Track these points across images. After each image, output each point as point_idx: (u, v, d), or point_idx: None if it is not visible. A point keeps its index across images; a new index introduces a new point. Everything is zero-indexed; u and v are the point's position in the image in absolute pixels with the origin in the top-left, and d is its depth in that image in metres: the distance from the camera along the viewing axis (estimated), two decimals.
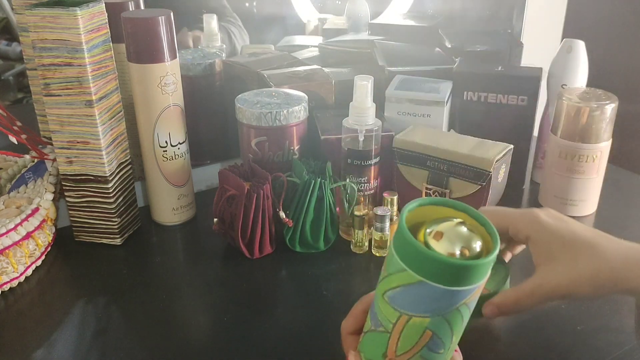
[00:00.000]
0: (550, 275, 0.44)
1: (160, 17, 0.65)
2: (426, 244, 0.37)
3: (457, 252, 0.36)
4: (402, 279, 0.37)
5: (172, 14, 0.67)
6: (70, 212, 0.70)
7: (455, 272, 0.35)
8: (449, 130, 0.82)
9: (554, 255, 0.44)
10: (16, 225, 0.62)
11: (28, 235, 0.64)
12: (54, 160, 0.70)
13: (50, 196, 0.68)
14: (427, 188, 0.71)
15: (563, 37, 0.98)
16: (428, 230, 0.37)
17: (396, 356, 0.40)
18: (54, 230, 0.70)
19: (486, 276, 0.37)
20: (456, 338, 0.40)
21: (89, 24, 0.61)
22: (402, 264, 0.36)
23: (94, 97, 0.63)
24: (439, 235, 0.37)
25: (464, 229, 0.37)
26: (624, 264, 0.43)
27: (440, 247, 0.36)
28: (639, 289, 0.42)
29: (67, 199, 0.69)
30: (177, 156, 0.72)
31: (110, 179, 0.68)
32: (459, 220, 0.38)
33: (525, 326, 0.57)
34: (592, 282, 0.43)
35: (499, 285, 0.50)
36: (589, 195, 0.76)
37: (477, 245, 0.37)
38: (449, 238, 0.37)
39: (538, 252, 0.46)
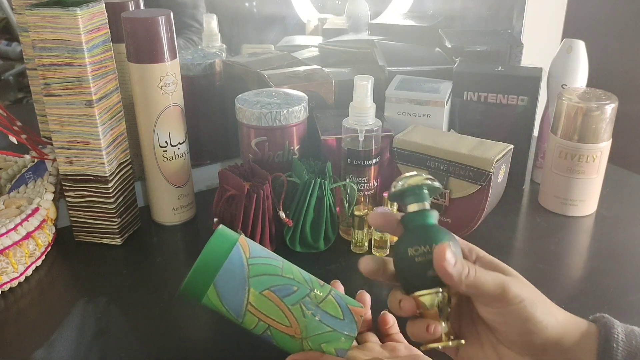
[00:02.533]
0: (518, 282, 0.42)
1: (160, 17, 0.65)
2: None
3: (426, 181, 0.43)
4: (216, 300, 0.44)
5: (172, 14, 0.67)
6: (70, 212, 0.70)
7: (207, 259, 0.46)
8: (449, 130, 0.82)
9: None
10: (16, 225, 0.62)
11: (28, 235, 0.64)
12: (54, 160, 0.70)
13: (50, 196, 0.68)
14: None
15: (563, 37, 0.98)
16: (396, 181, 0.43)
17: (292, 328, 0.45)
18: (54, 230, 0.70)
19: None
20: (284, 270, 0.46)
21: (89, 24, 0.61)
22: (202, 301, 0.45)
23: (94, 97, 0.63)
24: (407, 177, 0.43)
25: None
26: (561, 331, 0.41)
27: (413, 179, 0.43)
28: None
29: (67, 199, 0.69)
30: (177, 156, 0.72)
31: (110, 179, 0.68)
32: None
33: None
34: (545, 311, 0.41)
35: None
36: (589, 195, 0.76)
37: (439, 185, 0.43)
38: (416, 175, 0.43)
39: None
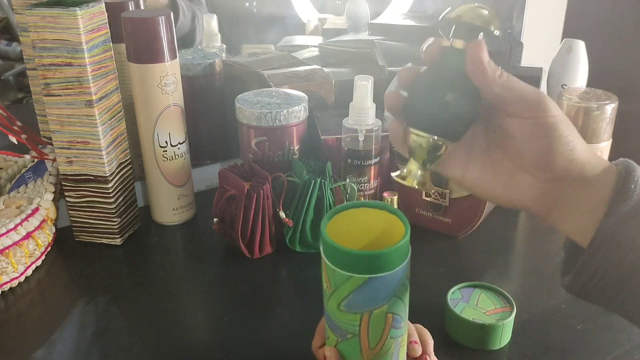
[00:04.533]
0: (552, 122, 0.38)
1: (160, 17, 0.65)
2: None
3: (479, 22, 0.37)
4: (351, 285, 0.39)
5: (172, 14, 0.67)
6: (70, 212, 0.70)
7: (393, 257, 0.39)
8: None
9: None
10: (16, 225, 0.62)
11: (28, 235, 0.64)
12: (54, 160, 0.70)
13: (50, 196, 0.68)
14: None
15: (563, 37, 0.98)
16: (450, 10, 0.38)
17: (371, 350, 0.42)
18: (54, 230, 0.70)
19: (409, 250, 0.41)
20: (407, 307, 0.42)
21: (89, 24, 0.61)
22: (345, 274, 0.39)
23: (94, 97, 0.63)
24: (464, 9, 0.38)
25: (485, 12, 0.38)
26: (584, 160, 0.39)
27: (468, 14, 0.37)
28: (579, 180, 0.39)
29: (67, 199, 0.69)
30: (177, 156, 0.72)
31: (110, 179, 0.68)
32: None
33: (525, 325, 0.57)
34: (572, 137, 0.39)
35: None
36: None
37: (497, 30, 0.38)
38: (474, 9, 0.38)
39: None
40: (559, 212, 0.40)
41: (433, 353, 0.48)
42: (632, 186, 0.37)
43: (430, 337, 0.49)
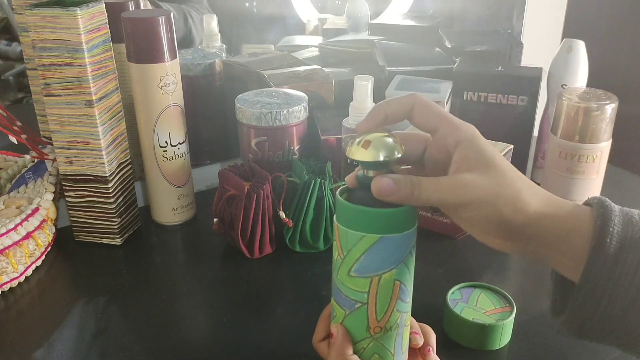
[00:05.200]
0: (471, 176, 0.38)
1: (160, 17, 0.65)
2: (354, 155, 0.39)
3: (381, 158, 0.39)
4: (363, 246, 0.40)
5: (172, 14, 0.67)
6: (70, 212, 0.70)
7: (404, 217, 0.40)
8: None
9: (483, 166, 0.39)
10: (16, 225, 0.62)
11: (28, 235, 0.64)
12: (54, 160, 0.70)
13: (50, 196, 0.68)
14: None
15: (563, 37, 0.98)
16: (357, 140, 0.39)
17: (378, 322, 0.42)
18: (54, 230, 0.70)
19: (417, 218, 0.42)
20: (412, 282, 0.43)
21: (89, 24, 0.61)
22: (358, 233, 0.40)
23: (94, 97, 0.63)
24: (367, 144, 0.39)
25: (389, 139, 0.39)
26: (541, 215, 0.38)
27: (367, 155, 0.39)
28: (552, 232, 0.38)
29: (67, 199, 0.69)
30: (177, 156, 0.72)
31: (110, 179, 0.68)
32: (386, 133, 0.40)
33: (524, 326, 0.57)
34: (513, 205, 0.37)
35: None
36: (589, 195, 0.76)
37: (400, 153, 0.39)
38: (376, 146, 0.39)
39: (464, 159, 0.39)
40: (543, 259, 0.39)
41: (435, 345, 0.48)
42: (608, 240, 0.36)
43: (433, 332, 0.48)
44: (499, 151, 0.68)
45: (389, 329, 0.43)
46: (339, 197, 0.41)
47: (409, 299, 0.43)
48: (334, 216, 0.42)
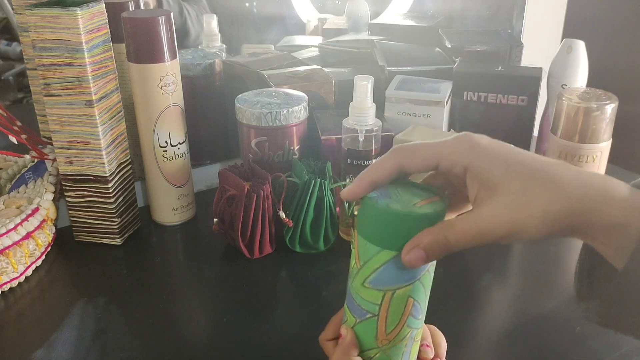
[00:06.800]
0: (490, 211, 0.35)
1: (160, 17, 0.65)
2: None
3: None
4: (381, 260, 0.40)
5: (172, 14, 0.67)
6: (70, 212, 0.70)
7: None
8: (449, 130, 0.82)
9: (496, 185, 0.35)
10: (16, 225, 0.62)
11: (28, 235, 0.64)
12: (54, 160, 0.70)
13: (50, 196, 0.68)
14: None
15: (563, 37, 0.98)
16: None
17: (386, 335, 0.42)
18: (54, 230, 0.70)
19: None
20: (426, 302, 0.43)
21: (89, 24, 0.61)
22: (376, 247, 0.40)
23: (94, 97, 0.63)
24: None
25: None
26: (583, 194, 0.34)
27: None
28: (596, 226, 0.34)
29: (67, 199, 0.69)
30: (177, 156, 0.72)
31: (110, 179, 0.68)
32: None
33: (523, 328, 0.57)
34: (542, 218, 0.34)
35: None
36: None
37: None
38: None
39: (478, 183, 0.36)
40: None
41: (444, 356, 0.47)
42: None
43: (444, 340, 0.48)
44: None
45: (398, 343, 0.43)
46: (367, 199, 0.40)
47: (421, 316, 0.43)
48: (355, 222, 0.42)
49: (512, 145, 0.38)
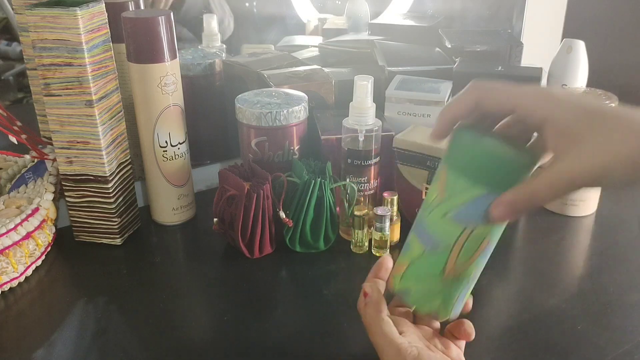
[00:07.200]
0: (575, 160, 0.36)
1: (160, 17, 0.65)
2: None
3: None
4: (468, 196, 0.40)
5: (172, 14, 0.67)
6: (70, 212, 0.70)
7: (520, 180, 0.39)
8: None
9: (580, 134, 0.36)
10: (16, 225, 0.62)
11: (28, 235, 0.64)
12: (54, 160, 0.70)
13: (50, 196, 0.68)
14: (427, 188, 0.71)
15: (563, 37, 0.98)
16: None
17: (454, 269, 0.43)
18: (54, 230, 0.70)
19: None
20: (496, 242, 0.44)
21: (89, 24, 0.61)
22: (468, 182, 0.40)
23: (94, 97, 0.63)
24: None
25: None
26: None
27: None
28: None
29: (67, 199, 0.69)
30: (177, 156, 0.72)
31: (110, 179, 0.68)
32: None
33: (525, 326, 0.57)
34: (627, 163, 0.35)
35: None
36: (589, 195, 0.76)
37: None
38: None
39: (558, 135, 0.37)
40: None
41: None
42: None
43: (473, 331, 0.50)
44: None
45: (461, 279, 0.44)
46: (465, 137, 0.40)
47: (488, 256, 0.44)
48: (443, 158, 0.42)
49: (588, 95, 0.38)
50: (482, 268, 0.45)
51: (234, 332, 0.57)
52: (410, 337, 0.45)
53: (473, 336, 0.49)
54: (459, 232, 0.41)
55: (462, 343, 0.50)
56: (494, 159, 0.39)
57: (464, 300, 0.46)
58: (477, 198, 0.40)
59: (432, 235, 0.43)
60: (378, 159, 0.69)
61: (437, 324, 0.51)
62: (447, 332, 0.51)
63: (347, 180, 0.69)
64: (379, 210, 0.66)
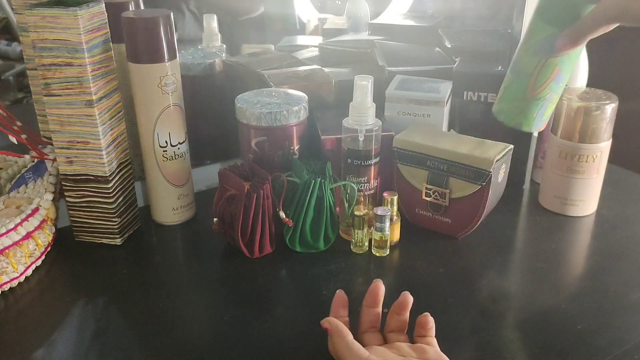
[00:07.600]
0: (607, 1, 0.50)
1: (160, 17, 0.65)
2: None
3: None
4: (543, 33, 0.57)
5: (171, 14, 0.67)
6: (70, 212, 0.71)
7: (579, 17, 0.54)
8: (449, 130, 0.82)
9: None
10: (16, 225, 0.62)
11: (28, 235, 0.64)
12: (54, 160, 0.70)
13: (50, 196, 0.68)
14: (427, 188, 0.71)
15: None
16: None
17: (534, 91, 0.59)
18: (54, 230, 0.70)
19: None
20: (570, 73, 0.60)
21: (89, 24, 0.61)
22: (543, 24, 0.57)
23: (94, 97, 0.63)
24: None
25: None
26: None
27: None
28: None
29: (67, 199, 0.69)
30: (177, 156, 0.72)
31: (110, 179, 0.68)
32: None
33: (525, 325, 0.57)
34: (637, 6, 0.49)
35: None
36: (589, 195, 0.76)
37: None
38: None
39: None
40: None
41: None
42: None
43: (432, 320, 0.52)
44: (499, 151, 0.68)
45: (539, 99, 0.60)
46: None
47: (562, 83, 0.59)
48: (534, 9, 0.57)
49: None
50: (559, 92, 0.60)
51: (234, 332, 0.57)
52: (376, 353, 0.48)
53: (430, 324, 0.52)
54: (535, 62, 0.58)
55: (433, 340, 0.51)
56: (563, 4, 0.55)
57: (543, 118, 0.61)
58: (550, 36, 0.56)
59: (519, 67, 0.59)
60: (378, 159, 0.69)
61: (404, 337, 0.53)
62: (416, 337, 0.52)
63: (347, 180, 0.69)
64: (379, 210, 0.66)
